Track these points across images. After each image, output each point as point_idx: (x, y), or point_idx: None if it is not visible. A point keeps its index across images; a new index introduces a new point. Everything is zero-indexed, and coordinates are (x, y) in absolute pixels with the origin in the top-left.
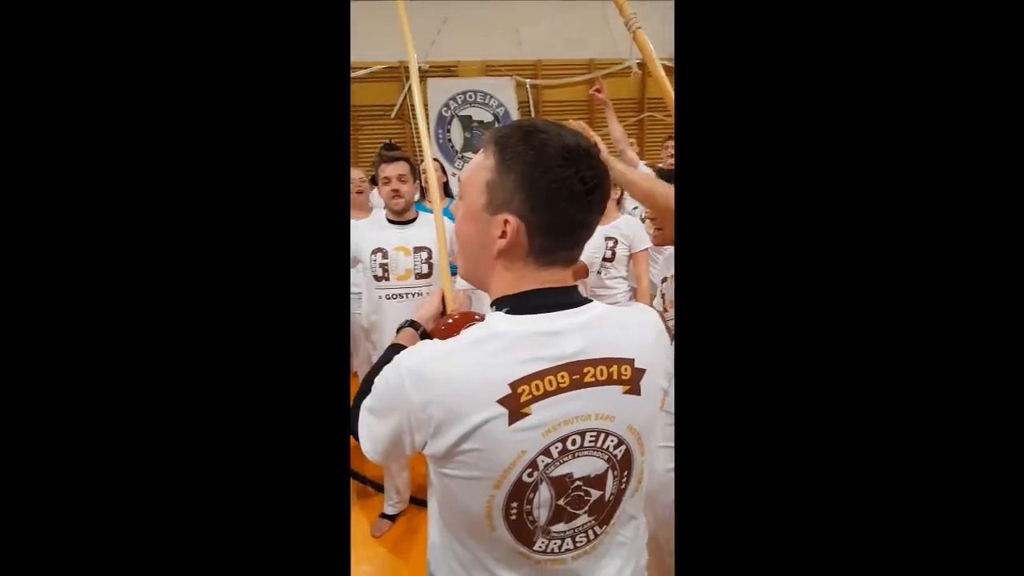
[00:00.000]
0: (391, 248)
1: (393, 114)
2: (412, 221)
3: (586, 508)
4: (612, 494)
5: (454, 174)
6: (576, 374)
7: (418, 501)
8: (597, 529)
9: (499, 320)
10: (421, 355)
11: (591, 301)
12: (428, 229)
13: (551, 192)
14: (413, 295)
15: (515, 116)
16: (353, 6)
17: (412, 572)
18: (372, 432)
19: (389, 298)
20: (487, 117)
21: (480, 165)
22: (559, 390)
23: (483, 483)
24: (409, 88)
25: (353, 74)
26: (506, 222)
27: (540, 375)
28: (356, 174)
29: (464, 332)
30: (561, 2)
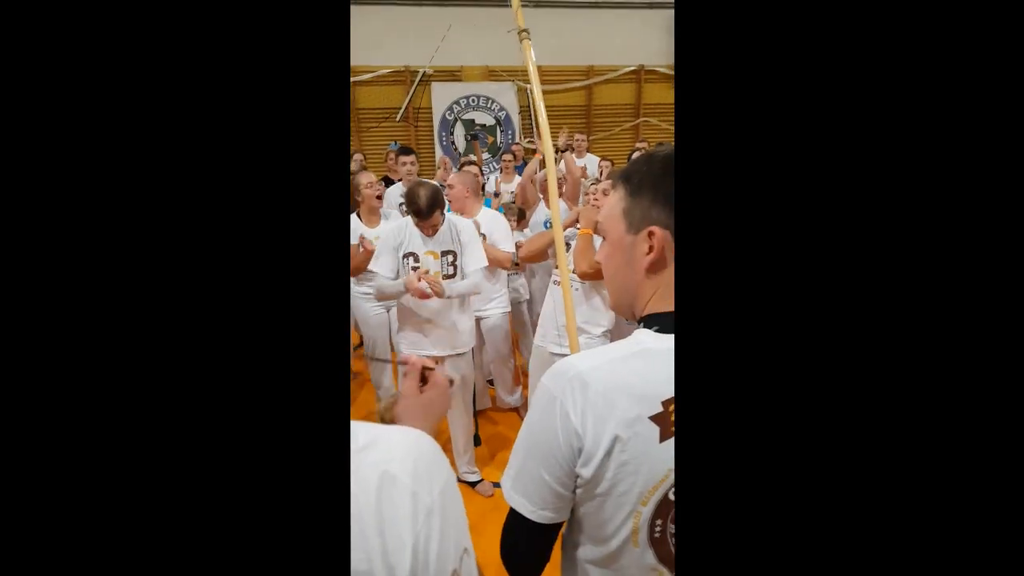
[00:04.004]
0: (422, 252)
1: (398, 117)
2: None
3: None
4: None
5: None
6: None
7: None
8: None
9: (649, 337)
10: (577, 367)
11: None
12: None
13: None
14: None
15: (516, 120)
16: (357, 10)
17: None
18: (526, 487)
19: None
20: (489, 120)
21: (614, 202)
22: None
23: (631, 497)
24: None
25: (358, 78)
26: (651, 234)
27: None
28: (368, 177)
29: (614, 346)
30: (562, 9)
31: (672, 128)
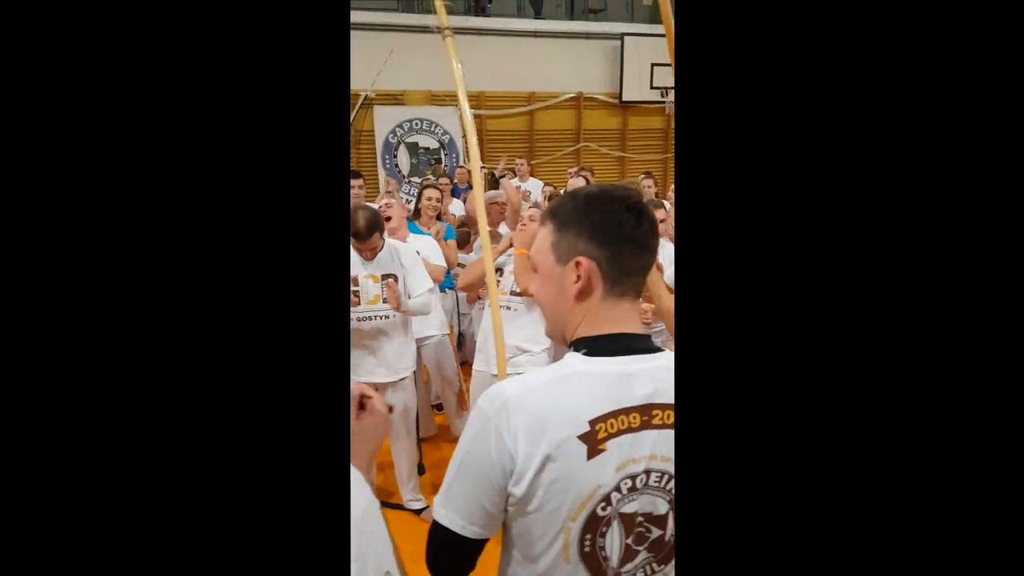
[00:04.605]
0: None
1: None
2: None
3: (646, 544)
4: (672, 535)
5: (407, 200)
6: (646, 415)
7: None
8: (655, 566)
9: (578, 360)
10: (511, 390)
11: (663, 350)
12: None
13: (607, 226)
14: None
15: (459, 144)
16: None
17: None
18: (456, 503)
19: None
20: (433, 144)
21: (543, 237)
22: (630, 429)
23: (561, 514)
24: (357, 116)
25: None
26: (578, 264)
27: (615, 414)
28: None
29: (545, 370)
30: (504, 38)
31: (610, 153)
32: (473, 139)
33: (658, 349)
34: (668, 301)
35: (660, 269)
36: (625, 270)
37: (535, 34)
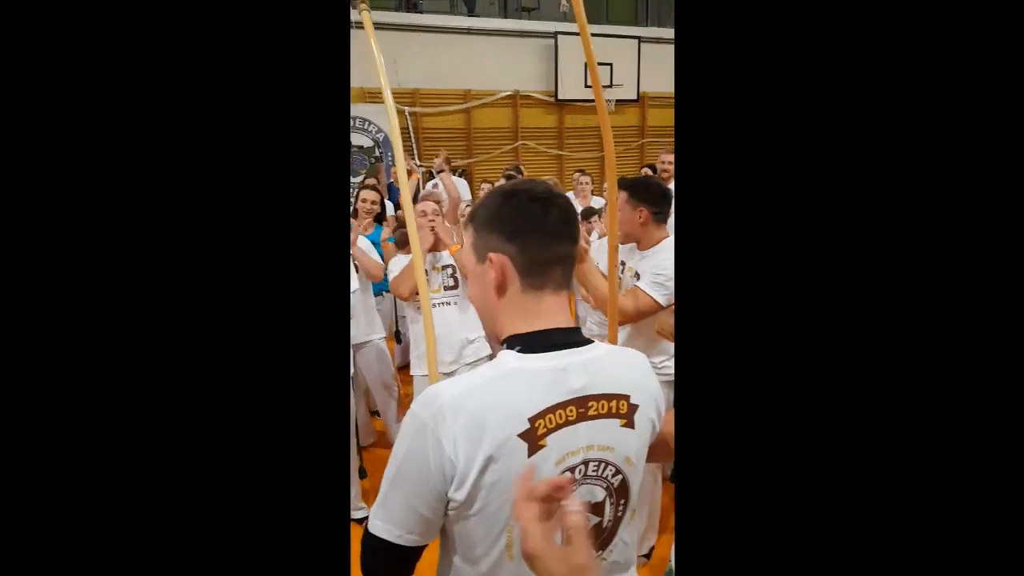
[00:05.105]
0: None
1: None
2: None
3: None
4: (610, 521)
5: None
6: (582, 407)
7: None
8: (595, 553)
9: (512, 357)
10: (447, 393)
11: (593, 342)
12: None
13: (513, 219)
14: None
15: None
16: None
17: None
18: (393, 512)
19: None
20: (367, 142)
21: (468, 239)
22: (567, 423)
23: (503, 514)
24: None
25: None
26: (490, 260)
27: (553, 409)
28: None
29: (479, 370)
30: (438, 35)
31: (548, 151)
32: (395, 122)
33: (589, 341)
34: (602, 288)
35: (584, 252)
36: (538, 261)
37: (468, 31)
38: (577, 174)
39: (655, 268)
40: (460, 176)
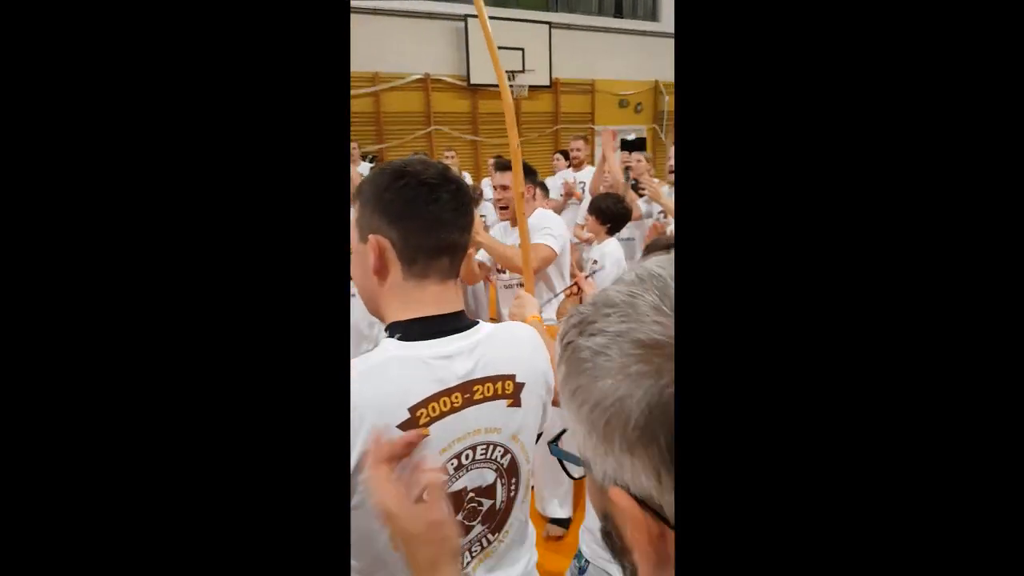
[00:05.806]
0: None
1: None
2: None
3: (479, 518)
4: (503, 502)
5: None
6: (467, 393)
7: None
8: (490, 537)
9: (393, 347)
10: None
11: (478, 323)
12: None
13: (401, 205)
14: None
15: None
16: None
17: None
18: None
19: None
20: None
21: (352, 217)
22: (452, 410)
23: None
24: None
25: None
26: (370, 242)
27: (436, 397)
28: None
29: (360, 359)
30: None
31: (463, 136)
32: None
33: (473, 323)
34: (504, 252)
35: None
36: (421, 248)
37: (375, 12)
38: (492, 160)
39: (551, 231)
40: (371, 162)
